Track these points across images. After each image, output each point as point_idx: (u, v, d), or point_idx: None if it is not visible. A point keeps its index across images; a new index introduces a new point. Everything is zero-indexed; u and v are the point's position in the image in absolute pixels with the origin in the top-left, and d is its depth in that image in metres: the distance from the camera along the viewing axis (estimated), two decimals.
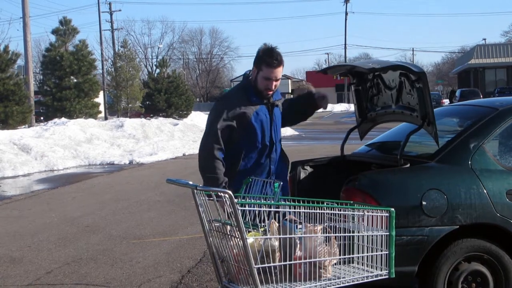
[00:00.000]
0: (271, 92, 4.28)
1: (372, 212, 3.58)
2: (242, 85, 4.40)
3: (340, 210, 3.58)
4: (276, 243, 3.36)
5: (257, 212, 3.33)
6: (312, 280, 3.38)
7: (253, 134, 4.27)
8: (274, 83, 4.24)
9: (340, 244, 3.51)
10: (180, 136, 25.68)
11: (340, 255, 3.51)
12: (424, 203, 4.20)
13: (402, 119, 5.08)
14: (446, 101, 50.39)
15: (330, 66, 5.81)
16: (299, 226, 3.47)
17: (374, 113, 5.30)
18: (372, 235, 3.55)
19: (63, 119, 26.54)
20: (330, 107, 67.66)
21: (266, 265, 3.28)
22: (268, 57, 4.19)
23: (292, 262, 3.41)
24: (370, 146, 5.59)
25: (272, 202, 3.64)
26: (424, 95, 4.46)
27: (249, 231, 3.28)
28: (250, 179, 3.98)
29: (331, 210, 3.58)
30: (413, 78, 4.49)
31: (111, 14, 63.71)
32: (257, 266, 3.21)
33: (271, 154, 4.37)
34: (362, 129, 5.57)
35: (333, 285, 3.38)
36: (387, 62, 4.89)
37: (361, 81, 5.28)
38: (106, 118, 39.87)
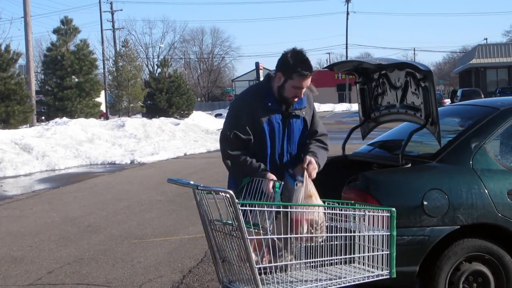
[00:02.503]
0: (296, 99, 4.03)
1: (373, 212, 3.59)
2: (260, 86, 4.15)
3: (341, 210, 3.58)
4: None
5: (257, 212, 3.33)
6: (313, 281, 3.38)
7: (263, 142, 4.03)
8: (303, 90, 4.00)
9: (341, 244, 3.52)
10: (182, 136, 25.69)
11: (341, 255, 3.51)
12: (425, 203, 4.19)
13: (405, 119, 5.09)
14: (447, 101, 50.33)
15: (337, 62, 5.78)
16: (298, 184, 3.62)
17: (378, 113, 5.31)
18: (373, 235, 3.55)
19: (64, 118, 26.55)
20: (331, 107, 67.69)
21: (267, 265, 3.29)
22: (301, 67, 3.90)
23: (293, 262, 3.42)
24: (372, 146, 5.59)
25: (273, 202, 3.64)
26: (429, 94, 4.47)
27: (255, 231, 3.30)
28: (250, 178, 3.95)
29: (332, 209, 3.58)
30: (419, 76, 4.50)
31: (112, 14, 63.76)
32: (258, 266, 3.21)
33: (282, 167, 4.07)
34: (364, 128, 5.58)
35: (334, 285, 3.39)
36: (394, 60, 4.91)
37: (366, 80, 5.29)
38: (107, 118, 39.88)
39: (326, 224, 3.54)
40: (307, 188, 3.68)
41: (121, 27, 68.20)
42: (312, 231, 3.56)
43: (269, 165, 4.03)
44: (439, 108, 4.61)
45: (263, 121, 4.01)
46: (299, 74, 3.90)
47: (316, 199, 3.68)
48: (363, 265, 3.59)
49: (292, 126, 4.08)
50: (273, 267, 3.33)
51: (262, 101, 4.03)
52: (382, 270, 3.56)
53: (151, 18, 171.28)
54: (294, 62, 3.91)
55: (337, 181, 4.88)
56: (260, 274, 3.23)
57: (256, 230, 3.29)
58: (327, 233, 3.50)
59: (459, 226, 4.26)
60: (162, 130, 25.88)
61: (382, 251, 3.56)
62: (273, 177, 3.87)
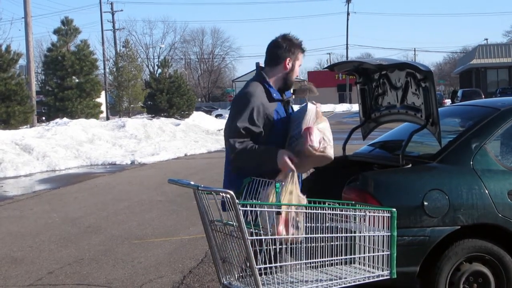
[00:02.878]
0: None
1: (374, 213, 3.58)
2: (260, 79, 4.12)
3: (342, 210, 3.58)
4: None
5: (258, 213, 3.33)
6: (314, 282, 3.38)
7: (276, 134, 4.02)
8: None
9: (341, 244, 3.52)
10: (182, 136, 25.69)
11: (341, 255, 3.51)
12: (425, 203, 4.19)
13: (405, 119, 5.08)
14: (448, 101, 50.35)
15: (337, 63, 5.76)
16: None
17: (378, 113, 5.30)
18: (373, 236, 3.55)
19: (65, 119, 26.55)
20: (332, 107, 67.72)
21: (268, 265, 3.29)
22: (301, 44, 4.17)
23: (297, 262, 3.42)
24: (372, 146, 5.59)
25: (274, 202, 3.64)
26: (429, 95, 4.46)
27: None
28: (251, 179, 3.94)
29: (332, 210, 3.58)
30: (420, 77, 4.49)
31: (112, 14, 63.78)
32: (258, 266, 3.21)
33: None
34: (365, 128, 5.57)
35: (334, 286, 3.38)
36: (394, 60, 4.90)
37: (367, 80, 5.28)
38: (108, 118, 39.89)
39: (327, 225, 3.53)
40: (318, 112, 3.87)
41: (121, 28, 68.23)
42: (323, 142, 3.69)
43: None
44: (439, 109, 4.60)
45: (273, 112, 4.01)
46: (302, 51, 4.15)
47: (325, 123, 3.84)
48: (364, 265, 3.59)
49: (290, 113, 4.15)
50: (273, 268, 3.33)
51: (267, 93, 4.04)
52: (382, 271, 3.55)
53: (151, 19, 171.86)
54: (295, 44, 4.11)
55: (337, 182, 4.89)
56: (260, 274, 3.23)
57: (256, 231, 3.29)
58: (327, 233, 3.49)
59: (459, 227, 4.26)
60: (163, 130, 25.88)
61: (383, 251, 3.56)
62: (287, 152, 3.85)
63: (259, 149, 3.90)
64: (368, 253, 3.56)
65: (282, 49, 4.08)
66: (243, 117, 3.96)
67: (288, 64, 4.08)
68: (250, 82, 4.17)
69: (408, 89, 4.75)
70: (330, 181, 5.15)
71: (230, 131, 3.99)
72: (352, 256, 3.57)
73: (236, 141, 3.95)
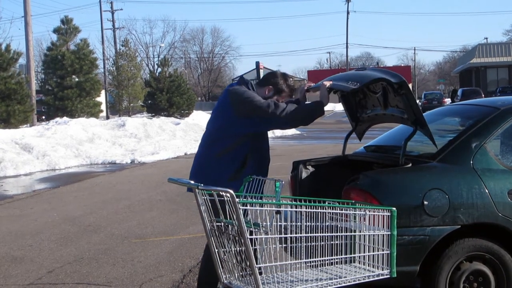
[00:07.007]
0: None
1: (374, 212, 3.59)
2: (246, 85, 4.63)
3: (342, 210, 3.58)
4: None
5: (258, 212, 3.33)
6: (314, 281, 3.39)
7: (266, 138, 4.66)
8: None
9: (341, 243, 3.52)
10: (182, 135, 25.67)
11: (341, 254, 3.52)
12: (425, 202, 4.19)
13: (394, 121, 5.03)
14: (447, 101, 50.32)
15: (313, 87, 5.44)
16: None
17: (366, 115, 5.28)
18: (373, 235, 3.56)
19: (64, 118, 26.54)
20: (332, 106, 67.61)
21: (267, 264, 3.29)
22: (291, 89, 4.69)
23: (294, 261, 3.42)
24: (372, 146, 5.58)
25: (274, 201, 3.64)
26: (409, 102, 4.46)
27: None
28: (251, 178, 3.97)
29: (332, 209, 3.58)
30: (396, 86, 4.46)
31: (112, 13, 63.75)
32: (258, 265, 3.21)
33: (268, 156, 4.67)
34: (358, 131, 5.55)
35: (334, 285, 3.39)
36: (366, 77, 4.59)
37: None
38: (107, 118, 39.87)
39: (327, 224, 3.53)
40: None
41: (121, 27, 68.26)
42: None
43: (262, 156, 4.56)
44: (439, 108, 4.60)
45: None
46: (287, 95, 4.67)
47: None
48: (364, 264, 3.59)
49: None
50: (273, 267, 3.34)
51: None
52: (382, 270, 3.56)
53: (151, 18, 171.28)
54: (288, 87, 4.66)
55: (337, 181, 4.89)
56: (260, 273, 3.23)
57: (256, 230, 3.30)
58: (327, 232, 3.50)
59: (459, 226, 4.26)
60: (163, 129, 25.85)
61: (383, 250, 3.56)
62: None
63: (308, 105, 4.56)
64: (368, 252, 3.56)
65: (276, 82, 4.61)
66: (259, 98, 4.45)
67: (270, 91, 4.59)
68: (246, 89, 4.58)
69: (388, 93, 4.69)
70: (330, 181, 5.15)
71: (266, 107, 4.37)
72: (352, 255, 3.57)
73: (279, 107, 4.38)
